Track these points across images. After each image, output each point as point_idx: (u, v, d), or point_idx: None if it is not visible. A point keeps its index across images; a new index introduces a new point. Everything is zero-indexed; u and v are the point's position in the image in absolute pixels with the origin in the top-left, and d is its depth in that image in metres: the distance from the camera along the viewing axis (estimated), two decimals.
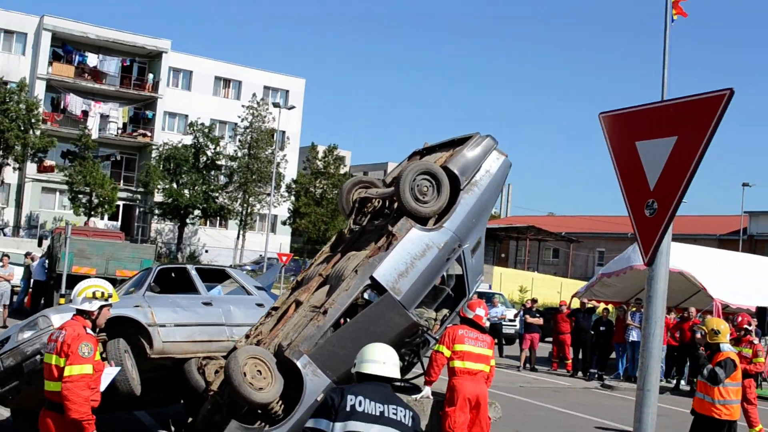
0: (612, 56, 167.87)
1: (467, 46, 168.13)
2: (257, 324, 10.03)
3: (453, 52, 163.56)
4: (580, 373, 21.68)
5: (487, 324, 9.28)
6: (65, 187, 48.96)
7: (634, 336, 21.09)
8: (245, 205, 54.01)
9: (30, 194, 52.51)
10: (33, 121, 47.04)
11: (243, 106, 54.44)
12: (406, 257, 9.23)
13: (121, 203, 54.24)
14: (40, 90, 51.41)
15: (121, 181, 55.33)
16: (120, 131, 55.09)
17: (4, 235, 47.59)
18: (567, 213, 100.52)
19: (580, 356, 22.01)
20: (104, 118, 53.76)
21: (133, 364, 9.32)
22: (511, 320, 28.22)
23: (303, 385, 8.67)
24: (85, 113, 52.74)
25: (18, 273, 25.00)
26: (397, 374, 5.02)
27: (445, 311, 9.96)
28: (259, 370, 8.79)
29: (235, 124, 55.17)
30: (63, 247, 22.12)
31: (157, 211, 53.48)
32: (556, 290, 52.21)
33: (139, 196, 55.81)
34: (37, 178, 52.32)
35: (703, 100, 3.75)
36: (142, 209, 56.05)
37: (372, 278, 9.06)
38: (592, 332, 21.81)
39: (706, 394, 9.21)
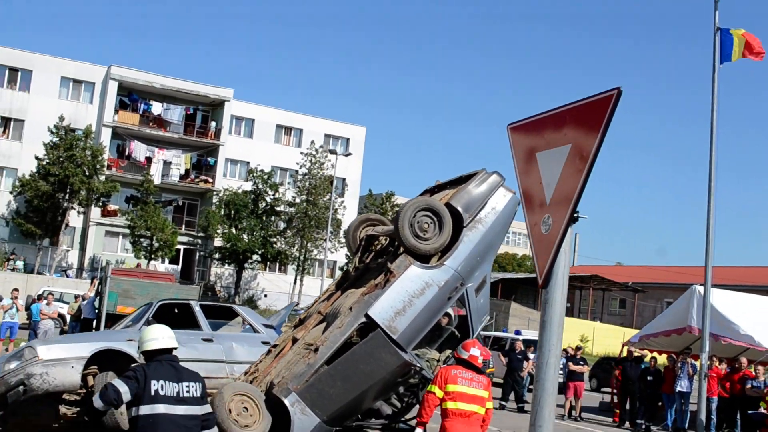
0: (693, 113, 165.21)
1: (517, 89, 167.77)
2: (257, 361, 9.84)
3: (495, 95, 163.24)
4: (627, 423, 20.82)
5: (483, 365, 8.85)
6: (127, 231, 49.91)
7: (682, 386, 20.27)
8: (303, 250, 54.20)
9: (94, 237, 53.63)
10: (98, 166, 48.20)
11: (302, 153, 54.90)
12: (403, 295, 8.96)
13: (181, 247, 54.99)
14: (105, 137, 52.75)
15: (183, 226, 56.15)
16: (182, 177, 56.06)
17: (67, 276, 48.60)
18: (635, 263, 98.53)
19: (627, 406, 21.16)
20: (167, 164, 54.80)
21: None
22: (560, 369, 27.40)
23: (291, 424, 8.42)
24: (149, 159, 53.87)
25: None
26: (174, 344, 6.15)
27: (448, 352, 9.61)
28: (245, 407, 8.60)
29: (295, 171, 55.61)
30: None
31: (216, 256, 54.03)
32: (619, 340, 50.90)
33: (199, 241, 56.54)
34: (101, 222, 53.45)
35: (591, 102, 3.44)
36: (202, 253, 56.72)
37: (367, 316, 8.81)
38: (640, 382, 20.98)
39: None
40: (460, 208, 9.29)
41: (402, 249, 9.34)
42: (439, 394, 8.33)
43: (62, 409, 9.23)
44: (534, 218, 3.96)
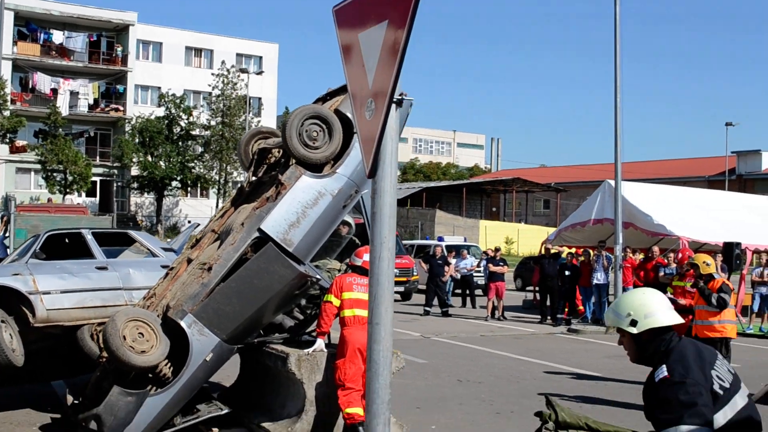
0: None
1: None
2: (155, 285, 9.51)
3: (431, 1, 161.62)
4: (549, 319, 21.18)
5: None
6: (39, 166, 48.33)
7: (599, 279, 20.67)
8: (222, 173, 53.36)
9: (4, 175, 51.86)
10: (1, 101, 46.22)
11: (213, 74, 53.50)
12: (296, 206, 8.65)
13: (98, 179, 53.62)
14: (6, 70, 50.40)
15: (98, 157, 54.65)
16: (92, 107, 54.22)
17: None
18: (558, 164, 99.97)
19: (548, 302, 21.50)
20: (74, 95, 52.87)
21: (13, 334, 8.78)
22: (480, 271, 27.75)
23: (189, 346, 8.17)
24: (55, 91, 51.88)
25: None
26: None
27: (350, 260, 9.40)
28: (141, 333, 8.29)
29: (209, 93, 54.22)
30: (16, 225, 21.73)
31: (134, 185, 52.86)
32: (543, 240, 51.87)
33: (116, 171, 55.17)
34: (11, 159, 51.64)
35: None
36: (119, 184, 55.43)
37: (260, 230, 8.50)
38: (558, 278, 21.28)
39: (706, 319, 10.80)
40: (349, 114, 8.95)
41: (292, 160, 9.02)
42: (336, 302, 8.17)
43: None
44: (358, 104, 3.72)
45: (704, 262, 10.93)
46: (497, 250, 23.62)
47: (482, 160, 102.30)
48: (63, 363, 10.13)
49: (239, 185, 10.39)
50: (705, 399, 3.84)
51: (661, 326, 4.13)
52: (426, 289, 23.45)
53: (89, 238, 10.33)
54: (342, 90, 9.94)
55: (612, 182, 20.92)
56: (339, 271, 9.38)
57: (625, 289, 20.21)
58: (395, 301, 26.13)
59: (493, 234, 53.65)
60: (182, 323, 8.20)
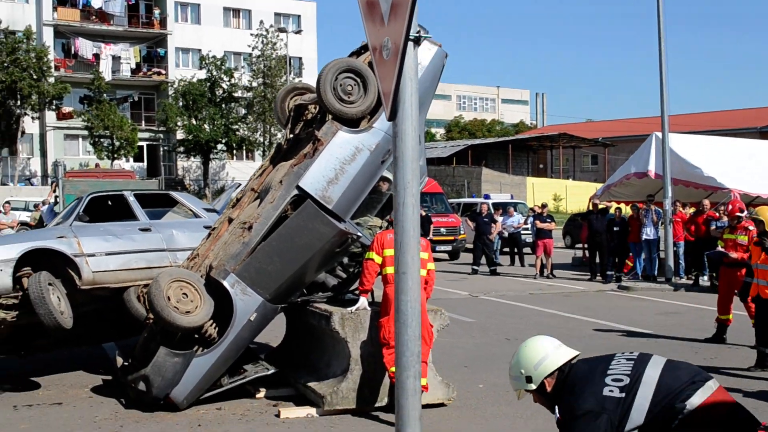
0: None
1: None
2: (198, 246, 9.46)
3: None
4: (598, 276, 20.83)
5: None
6: (86, 132, 48.81)
7: (648, 234, 20.21)
8: (266, 135, 53.38)
9: (53, 142, 52.49)
10: (45, 68, 46.63)
11: (252, 35, 53.25)
12: (334, 163, 8.52)
13: (144, 144, 54.02)
14: (48, 37, 50.85)
15: (143, 122, 54.99)
16: (134, 72, 54.51)
17: (32, 185, 47.74)
18: (606, 118, 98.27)
19: (597, 260, 21.14)
20: (116, 59, 53.17)
21: (61, 297, 8.78)
22: (528, 228, 27.43)
23: (233, 306, 8.12)
24: (97, 56, 52.20)
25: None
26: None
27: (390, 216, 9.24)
28: (184, 293, 8.26)
29: (249, 54, 54.05)
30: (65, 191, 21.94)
31: (180, 149, 53.14)
32: (590, 196, 51.14)
33: (161, 136, 55.51)
34: (58, 126, 52.20)
35: None
36: (165, 148, 55.79)
37: (299, 187, 8.39)
38: (607, 233, 20.87)
39: None
40: None
41: (329, 115, 8.85)
42: (378, 259, 8.01)
43: (0, 314, 8.84)
44: (373, 40, 3.51)
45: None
46: (544, 206, 23.20)
47: (527, 116, 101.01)
48: (113, 326, 10.19)
49: (278, 143, 10.26)
50: (598, 424, 3.87)
51: (555, 369, 4.14)
52: (473, 248, 23.19)
53: (131, 199, 10.29)
54: None
55: (660, 135, 20.40)
56: (380, 227, 9.21)
57: (675, 245, 19.81)
58: (442, 260, 26.08)
59: (541, 191, 53.09)
60: (225, 283, 8.15)
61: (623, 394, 3.92)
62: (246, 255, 8.22)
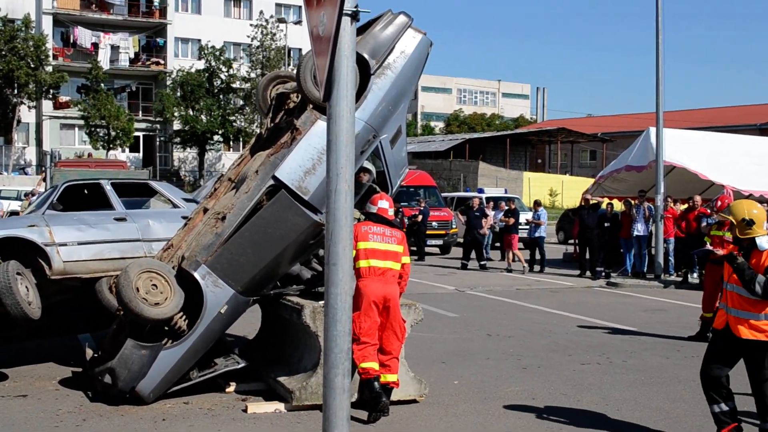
0: None
1: None
2: (173, 236, 9.30)
3: None
4: (588, 272, 20.67)
5: (394, 217, 8.38)
6: (82, 122, 48.62)
7: (639, 230, 20.07)
8: (262, 126, 53.10)
9: (49, 132, 52.33)
10: (42, 57, 46.44)
11: (252, 25, 53.01)
12: (311, 152, 8.36)
13: (140, 134, 53.81)
14: (47, 25, 50.67)
15: (140, 112, 54.79)
16: (133, 61, 54.30)
17: (26, 174, 47.58)
18: (606, 113, 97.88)
19: (587, 255, 20.97)
20: (115, 49, 52.97)
21: (30, 287, 8.62)
22: (522, 224, 27.29)
23: (203, 298, 7.98)
24: (96, 45, 52.04)
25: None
26: None
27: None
28: (154, 284, 8.11)
29: (248, 44, 53.79)
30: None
31: (176, 140, 52.94)
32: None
33: (158, 126, 55.31)
34: (54, 115, 52.04)
35: None
36: (162, 139, 55.59)
37: (274, 177, 8.24)
38: (598, 229, 20.70)
39: (748, 310, 6.36)
40: (366, 55, 8.54)
41: (309, 104, 8.69)
42: (352, 252, 7.84)
43: None
44: (313, 21, 3.35)
45: (743, 220, 6.42)
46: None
47: (528, 110, 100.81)
48: (86, 317, 10.03)
49: (258, 133, 10.11)
50: None
51: None
52: (463, 243, 23.05)
53: (108, 188, 10.11)
54: (360, 30, 9.54)
55: (653, 129, 20.24)
56: (359, 219, 9.06)
57: (666, 241, 19.66)
58: (433, 254, 25.93)
59: (537, 186, 52.87)
60: (196, 274, 8.02)
61: None
62: (218, 246, 8.08)
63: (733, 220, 6.49)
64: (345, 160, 3.55)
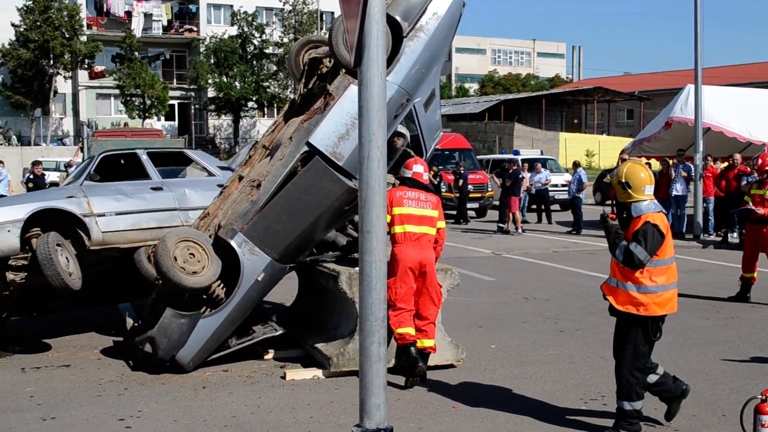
0: None
1: None
2: (209, 205, 9.34)
3: None
4: None
5: (429, 181, 8.31)
6: (118, 91, 48.92)
7: (678, 190, 19.78)
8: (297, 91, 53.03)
9: (85, 102, 52.76)
10: (77, 27, 46.68)
11: None
12: (345, 118, 8.30)
13: (175, 102, 54.04)
14: None
15: (174, 80, 54.98)
16: (166, 29, 54.42)
17: (64, 144, 48.07)
18: (643, 71, 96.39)
19: None
20: (148, 17, 53.13)
21: (70, 257, 8.72)
22: (559, 186, 27.13)
23: (240, 266, 8.01)
24: (129, 14, 52.22)
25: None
26: None
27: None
28: (191, 253, 8.16)
29: (280, 9, 53.55)
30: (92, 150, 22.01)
31: (211, 107, 53.08)
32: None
33: (192, 94, 55.47)
34: (90, 85, 52.41)
35: None
36: (197, 106, 55.77)
37: (308, 143, 8.21)
38: None
39: (624, 280, 5.99)
40: (398, 17, 8.44)
41: (342, 69, 8.62)
42: (387, 218, 7.81)
43: (9, 275, 8.79)
44: None
45: (620, 182, 6.03)
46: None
47: (563, 69, 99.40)
48: (125, 286, 10.15)
49: (292, 99, 10.07)
50: None
51: None
52: (499, 205, 22.92)
53: (144, 158, 10.16)
54: None
55: (692, 87, 19.86)
56: (392, 184, 9.02)
57: (705, 201, 19.37)
58: (470, 218, 25.80)
59: (574, 146, 52.35)
60: (232, 243, 8.04)
61: None
62: (254, 214, 8.08)
63: (614, 182, 6.16)
64: (377, 126, 3.49)
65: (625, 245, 5.84)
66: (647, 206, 5.94)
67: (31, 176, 21.11)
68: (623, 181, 6.00)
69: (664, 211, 6.07)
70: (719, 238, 19.02)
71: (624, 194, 6.02)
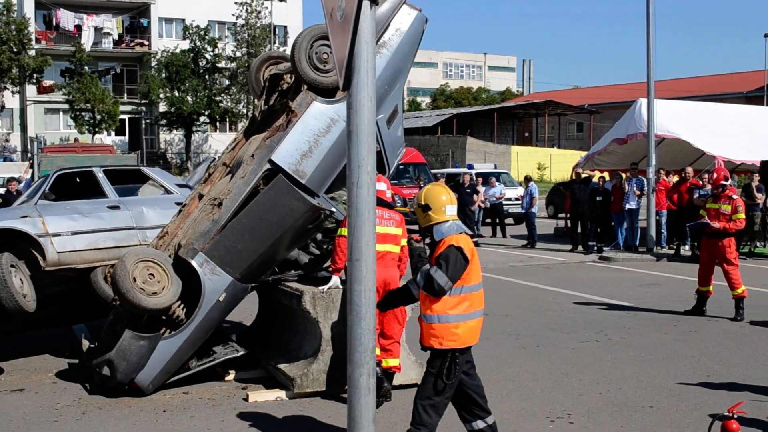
0: None
1: None
2: (168, 223, 9.19)
3: None
4: (580, 247, 20.63)
5: (392, 199, 8.29)
6: (67, 106, 48.14)
7: (631, 204, 20.01)
8: (250, 106, 52.78)
9: (33, 117, 51.84)
10: (25, 41, 45.87)
11: (236, 2, 52.41)
12: (308, 135, 8.25)
13: (126, 117, 53.35)
14: (29, 8, 50.00)
15: (125, 95, 54.28)
16: (117, 43, 53.73)
17: (11, 161, 47.06)
18: (593, 84, 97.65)
19: (579, 230, 20.94)
20: (98, 31, 52.39)
21: (24, 279, 8.51)
22: (513, 200, 27.35)
23: (201, 286, 7.88)
24: (79, 28, 51.46)
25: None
26: None
27: None
28: (151, 274, 8.01)
29: (233, 23, 53.26)
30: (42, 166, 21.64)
31: (162, 122, 52.50)
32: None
33: (143, 108, 54.83)
34: (39, 100, 51.53)
35: None
36: (148, 121, 55.13)
37: (271, 161, 8.13)
38: (590, 203, 20.66)
39: (427, 311, 5.52)
40: None
41: (304, 85, 8.57)
42: (375, 248, 7.73)
43: None
44: (330, 2, 3.22)
45: (419, 205, 5.67)
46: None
47: (514, 83, 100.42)
48: (82, 307, 9.93)
49: (252, 115, 9.98)
50: None
51: None
52: None
53: (100, 176, 9.98)
54: None
55: (644, 101, 20.16)
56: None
57: (658, 214, 19.63)
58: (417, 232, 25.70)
59: (525, 160, 52.83)
60: (193, 262, 7.91)
61: None
62: (215, 233, 7.97)
63: (415, 208, 5.74)
64: (366, 151, 3.43)
65: (426, 269, 5.42)
66: (449, 228, 5.54)
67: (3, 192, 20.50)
68: (423, 203, 5.61)
69: (469, 232, 5.68)
70: (672, 251, 19.28)
71: (425, 218, 5.61)
